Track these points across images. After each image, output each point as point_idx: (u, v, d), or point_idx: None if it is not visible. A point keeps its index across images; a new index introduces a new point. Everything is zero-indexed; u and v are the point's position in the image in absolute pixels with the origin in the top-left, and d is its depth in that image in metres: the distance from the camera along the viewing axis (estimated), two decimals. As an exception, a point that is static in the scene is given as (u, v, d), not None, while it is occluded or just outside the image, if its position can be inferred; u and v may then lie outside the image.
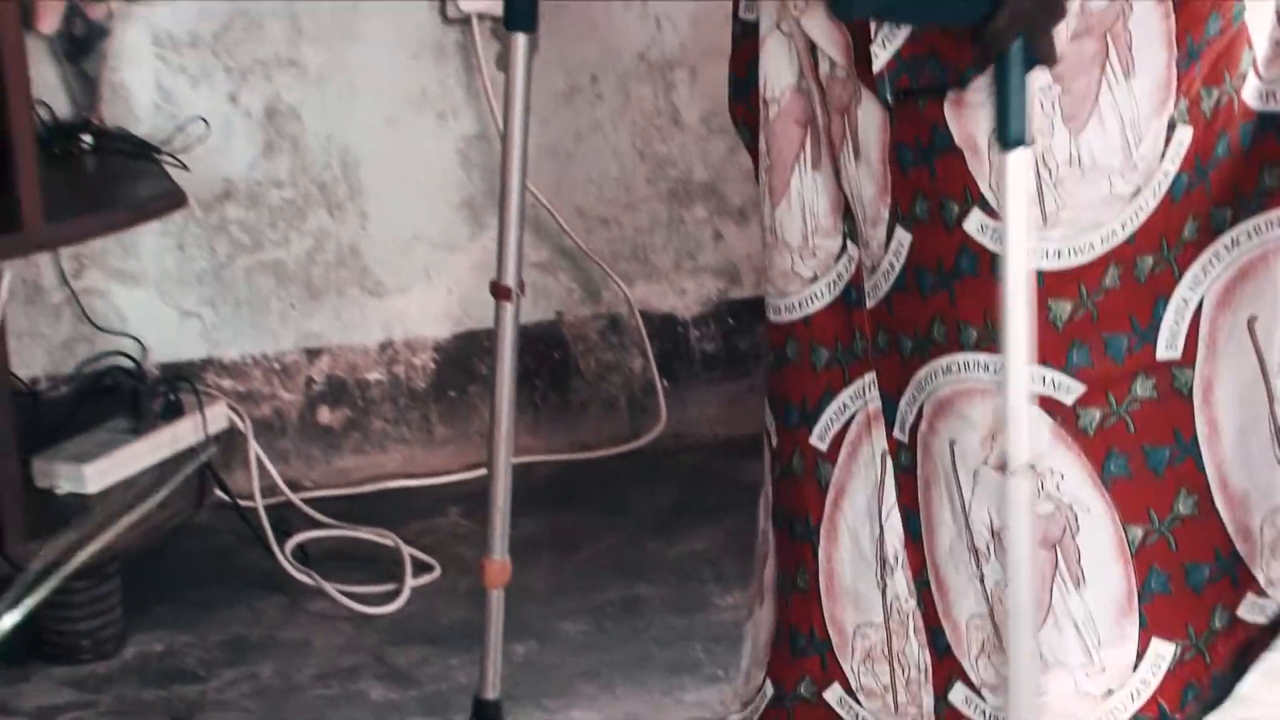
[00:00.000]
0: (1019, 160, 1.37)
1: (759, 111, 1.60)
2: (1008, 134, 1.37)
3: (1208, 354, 1.47)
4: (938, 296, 1.47)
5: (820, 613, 1.57)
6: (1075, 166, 1.43)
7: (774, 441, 1.62)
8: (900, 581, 1.54)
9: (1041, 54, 1.35)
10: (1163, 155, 1.44)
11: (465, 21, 2.56)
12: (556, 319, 2.74)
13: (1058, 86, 1.42)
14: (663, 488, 2.60)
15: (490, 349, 2.70)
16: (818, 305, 1.58)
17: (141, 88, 2.45)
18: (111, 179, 2.31)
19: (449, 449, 2.71)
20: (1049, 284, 1.45)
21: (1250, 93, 1.46)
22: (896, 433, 1.52)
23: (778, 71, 1.56)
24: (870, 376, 1.56)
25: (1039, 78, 1.41)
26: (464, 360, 2.71)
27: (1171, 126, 1.44)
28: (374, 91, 2.57)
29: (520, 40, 1.76)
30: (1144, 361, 1.47)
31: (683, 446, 2.72)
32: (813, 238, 1.57)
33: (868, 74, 1.45)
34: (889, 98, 1.45)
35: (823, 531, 1.58)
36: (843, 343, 1.57)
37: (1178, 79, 1.43)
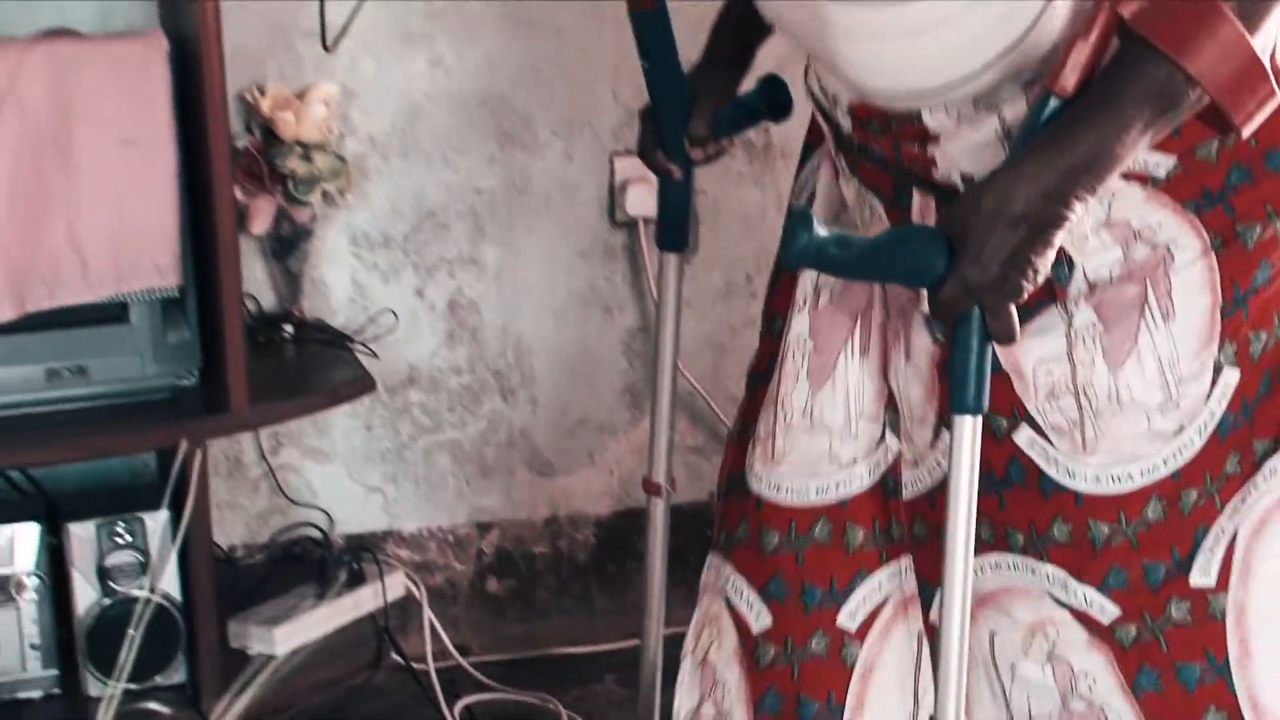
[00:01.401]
0: (967, 426, 1.29)
1: (785, 300, 1.57)
2: (963, 401, 1.29)
3: (1240, 580, 1.42)
4: (987, 499, 1.41)
5: None
6: (1114, 401, 1.39)
7: (769, 623, 1.55)
8: None
9: (996, 330, 1.26)
10: (1209, 396, 1.39)
11: (631, 224, 2.62)
12: (709, 500, 2.76)
13: (1100, 325, 1.38)
14: (807, 662, 2.59)
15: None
16: (856, 488, 1.53)
17: (338, 283, 2.52)
18: (309, 366, 2.37)
19: (607, 619, 2.72)
20: (1087, 504, 1.41)
21: None
22: (933, 616, 1.48)
23: None
24: (906, 561, 1.52)
25: (1082, 315, 1.38)
26: (623, 537, 2.73)
27: (1218, 369, 1.39)
28: (546, 287, 2.63)
29: (672, 260, 1.79)
30: (1179, 587, 1.42)
31: (827, 622, 2.71)
32: (856, 421, 1.52)
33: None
34: (938, 336, 1.44)
35: (848, 709, 1.53)
36: (880, 525, 1.52)
37: (1222, 324, 1.39)
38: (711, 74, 1.70)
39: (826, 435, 1.54)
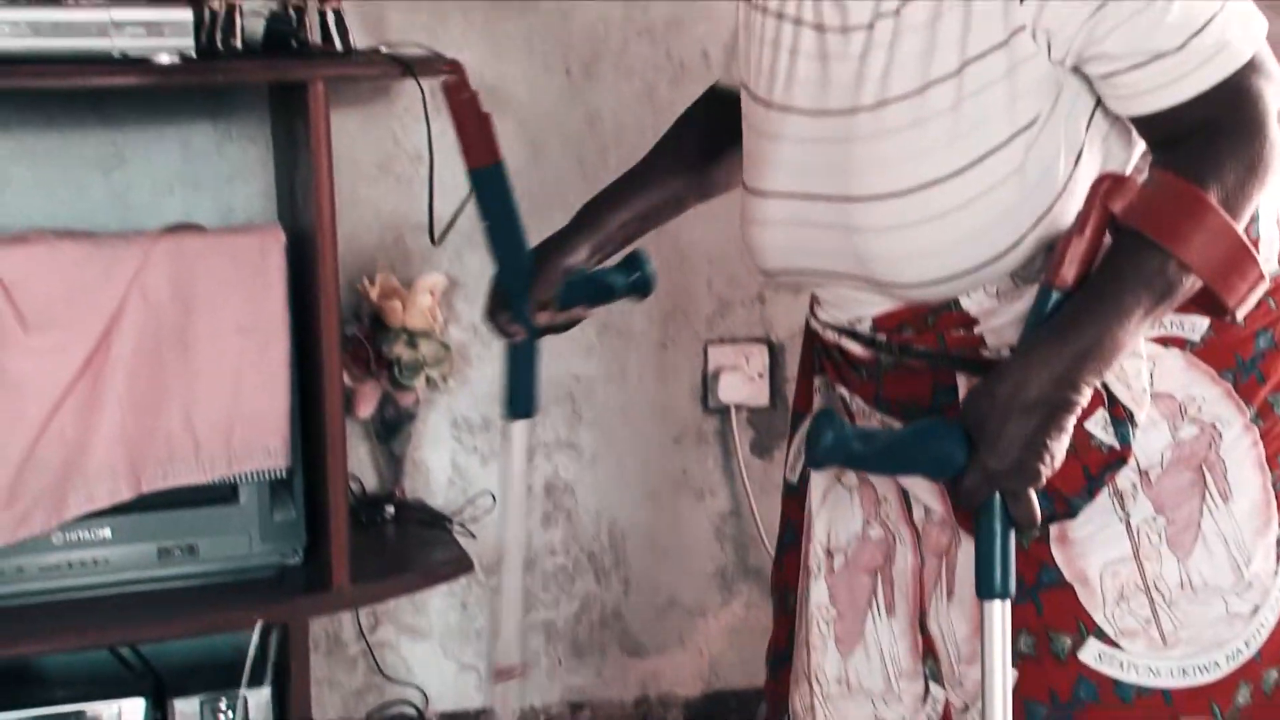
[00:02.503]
0: (996, 612, 1.28)
1: (794, 571, 1.55)
2: (990, 586, 1.28)
3: None
4: None
5: None
6: (1188, 589, 1.38)
7: None
8: None
9: (1018, 515, 1.26)
10: (1277, 572, 1.39)
11: (724, 411, 2.63)
12: (799, 683, 2.72)
13: (1161, 518, 1.37)
14: None
15: (736, 709, 2.69)
16: None
17: (439, 465, 2.53)
18: (409, 546, 2.37)
19: (695, 802, 2.67)
20: (1177, 701, 1.38)
21: None
22: None
23: (841, 522, 1.52)
24: None
25: (1140, 510, 1.37)
26: (713, 717, 2.69)
27: None
28: (640, 471, 2.63)
29: (519, 429, 1.69)
30: None
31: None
32: (897, 683, 1.49)
33: (967, 520, 1.40)
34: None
35: None
36: None
37: (1277, 498, 1.39)
38: (571, 238, 1.66)
39: (868, 700, 1.51)
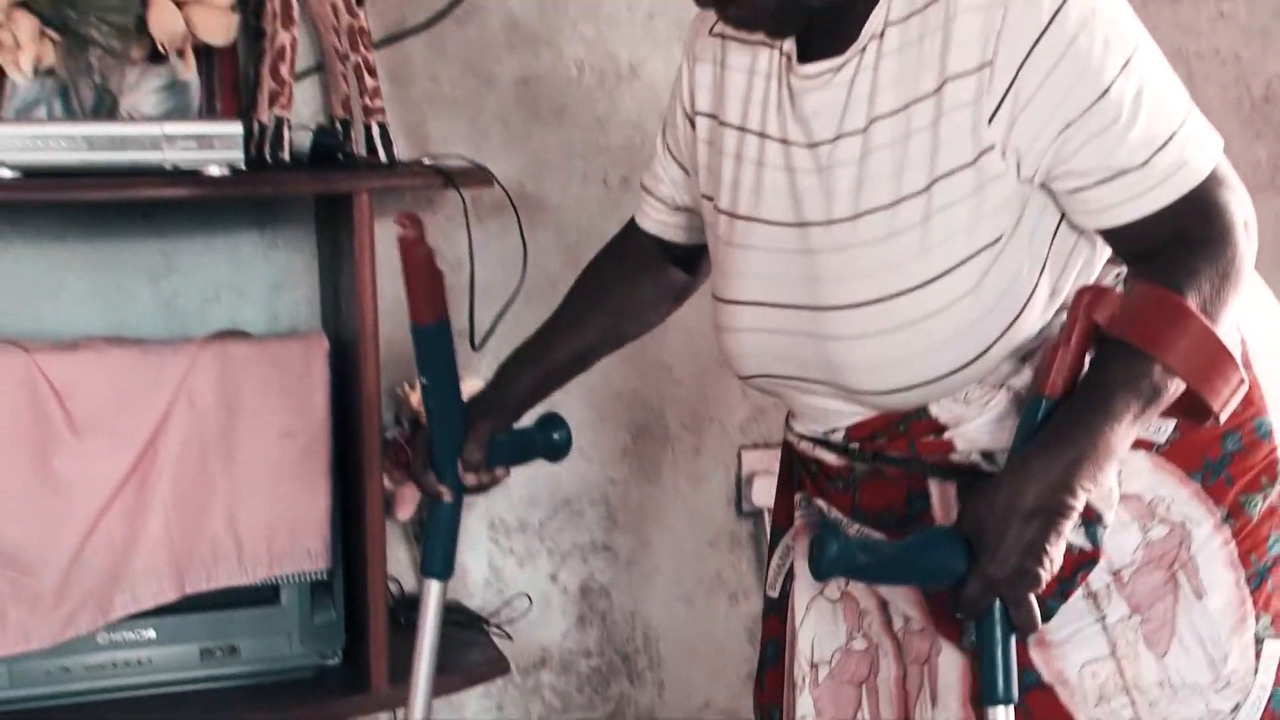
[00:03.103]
0: (1000, 719, 1.29)
1: (776, 689, 1.55)
2: (993, 693, 1.28)
3: None
4: None
5: None
6: (1167, 688, 1.39)
7: None
8: None
9: (1019, 620, 1.28)
10: (1256, 670, 1.39)
11: (757, 514, 2.64)
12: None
13: (1137, 616, 1.39)
14: None
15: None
16: None
17: (476, 566, 2.54)
18: (446, 647, 2.28)
19: None
20: None
21: None
22: None
23: (825, 635, 1.53)
24: None
25: (1116, 610, 1.38)
26: (746, 822, 2.67)
27: (1259, 641, 1.40)
28: (674, 574, 2.64)
29: (434, 588, 1.67)
30: None
31: None
32: None
33: (946, 626, 1.43)
34: (974, 642, 1.41)
35: None
36: None
37: (1251, 596, 1.40)
38: (496, 399, 1.67)
39: None
